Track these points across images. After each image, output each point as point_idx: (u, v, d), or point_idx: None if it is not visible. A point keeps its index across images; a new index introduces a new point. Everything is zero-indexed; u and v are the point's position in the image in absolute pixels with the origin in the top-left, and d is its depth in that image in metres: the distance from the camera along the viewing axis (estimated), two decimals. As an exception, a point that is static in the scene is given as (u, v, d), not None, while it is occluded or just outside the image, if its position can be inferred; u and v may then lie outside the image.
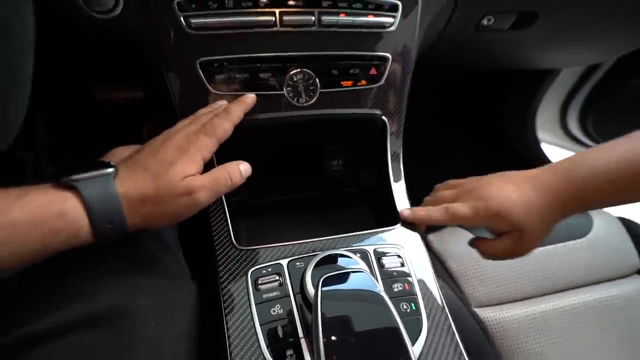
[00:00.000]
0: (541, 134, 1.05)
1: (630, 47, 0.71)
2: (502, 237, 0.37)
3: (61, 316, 0.26)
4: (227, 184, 0.32)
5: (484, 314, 0.50)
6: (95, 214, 0.26)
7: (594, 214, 0.62)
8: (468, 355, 0.43)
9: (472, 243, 0.42)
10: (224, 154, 0.36)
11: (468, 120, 1.16)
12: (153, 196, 0.28)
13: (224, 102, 0.39)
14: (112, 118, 0.87)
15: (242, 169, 0.34)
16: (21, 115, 0.25)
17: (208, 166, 0.33)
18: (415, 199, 0.44)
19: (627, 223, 0.62)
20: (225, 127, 0.34)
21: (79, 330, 0.26)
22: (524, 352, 0.48)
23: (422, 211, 0.40)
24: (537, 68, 0.81)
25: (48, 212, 0.25)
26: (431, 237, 0.57)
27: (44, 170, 0.83)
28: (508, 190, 0.36)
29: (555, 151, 1.07)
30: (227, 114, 0.35)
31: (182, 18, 0.37)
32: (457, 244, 0.55)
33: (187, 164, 0.30)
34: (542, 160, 1.01)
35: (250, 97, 0.39)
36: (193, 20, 0.37)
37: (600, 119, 0.96)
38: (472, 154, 1.13)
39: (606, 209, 0.68)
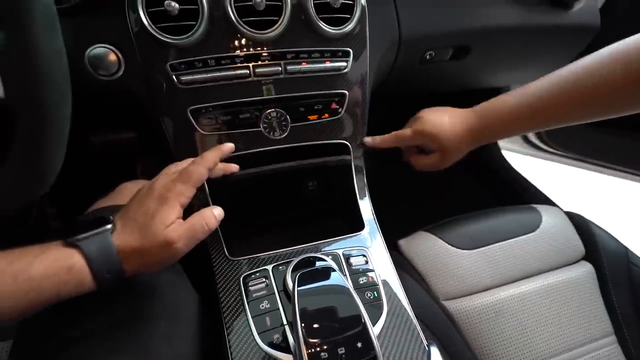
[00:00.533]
0: (503, 143, 1.16)
1: (560, 64, 0.83)
2: (430, 155, 0.52)
3: (91, 322, 0.32)
4: (204, 229, 0.35)
5: (450, 305, 0.57)
6: (95, 266, 0.31)
7: (543, 211, 0.71)
8: (438, 343, 0.50)
9: (406, 158, 0.58)
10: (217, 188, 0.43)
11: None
12: (140, 248, 0.32)
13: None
14: (108, 158, 0.94)
15: (216, 213, 0.37)
16: (58, 170, 0.32)
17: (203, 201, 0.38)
18: (381, 201, 0.53)
19: (571, 216, 0.71)
20: (200, 171, 0.37)
21: (108, 331, 0.32)
22: (485, 335, 0.55)
23: (378, 138, 0.54)
24: (483, 88, 0.92)
25: (59, 266, 0.30)
26: (401, 241, 0.64)
27: (45, 211, 0.89)
28: (444, 120, 0.50)
29: (517, 157, 1.18)
30: (201, 159, 0.39)
31: (174, 76, 0.45)
32: (424, 247, 0.63)
33: (167, 212, 0.33)
34: (504, 166, 1.11)
35: (227, 146, 0.43)
36: (183, 78, 0.45)
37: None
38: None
39: (556, 204, 0.77)
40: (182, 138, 0.48)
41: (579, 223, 0.70)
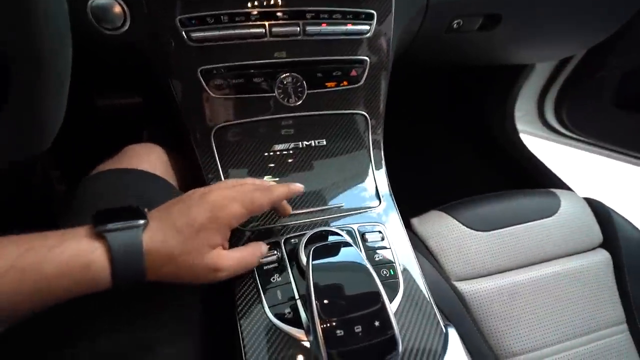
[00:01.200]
0: (521, 126, 1.11)
1: (594, 41, 0.77)
2: None
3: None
4: (252, 264, 0.33)
5: (462, 286, 0.56)
6: (118, 265, 0.27)
7: (561, 195, 0.68)
8: (447, 321, 0.49)
9: None
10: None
11: (451, 112, 1.23)
12: (178, 259, 0.29)
13: (270, 183, 0.40)
14: (112, 123, 0.91)
15: (263, 250, 0.36)
16: (59, 124, 0.30)
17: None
18: (395, 179, 0.51)
19: (590, 202, 0.68)
20: (262, 202, 0.33)
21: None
22: (495, 318, 0.54)
23: None
24: (509, 64, 0.87)
25: (76, 263, 0.26)
26: (414, 220, 0.62)
27: (49, 175, 0.88)
28: None
29: (535, 141, 1.14)
30: (269, 191, 0.35)
31: (183, 32, 0.42)
32: (437, 226, 0.61)
33: (214, 233, 0.30)
34: (521, 149, 1.07)
35: (298, 186, 0.38)
36: (193, 34, 0.42)
37: (573, 109, 1.03)
38: (455, 144, 1.19)
39: (573, 190, 0.74)
40: (191, 101, 0.45)
41: (599, 210, 0.67)
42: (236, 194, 0.33)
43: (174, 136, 0.50)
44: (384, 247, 0.40)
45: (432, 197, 0.71)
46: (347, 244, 0.35)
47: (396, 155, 0.64)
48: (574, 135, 1.02)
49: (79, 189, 0.42)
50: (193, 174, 0.47)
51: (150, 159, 0.47)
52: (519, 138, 1.09)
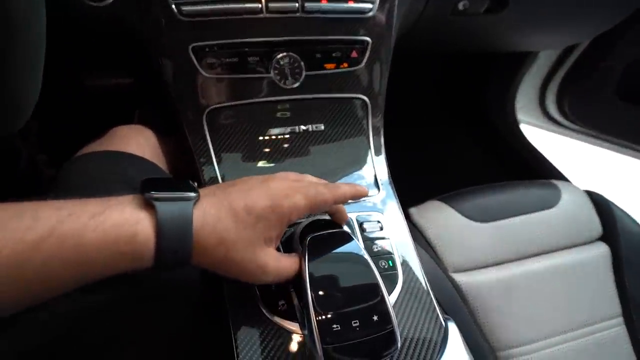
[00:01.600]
0: (521, 116, 1.10)
1: (601, 29, 0.75)
2: None
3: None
4: (289, 278, 0.30)
5: (459, 278, 0.55)
6: (164, 240, 0.24)
7: (562, 187, 0.67)
8: (444, 313, 0.48)
9: None
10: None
11: (451, 101, 1.21)
12: (229, 246, 0.26)
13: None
14: (102, 104, 0.88)
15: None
16: (34, 100, 0.27)
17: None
18: (394, 168, 0.49)
19: (591, 194, 0.67)
20: (326, 197, 0.31)
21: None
22: (492, 310, 0.53)
23: None
24: (513, 51, 0.85)
25: (120, 233, 0.23)
26: (412, 209, 0.61)
27: (36, 159, 0.84)
28: None
29: (535, 132, 1.12)
30: (336, 187, 0.32)
31: (173, 6, 0.39)
32: (435, 216, 0.60)
33: (272, 225, 0.28)
34: (521, 140, 1.06)
35: (365, 189, 0.35)
36: (184, 8, 0.39)
37: (575, 100, 1.01)
38: (454, 134, 1.18)
39: (572, 182, 0.73)
40: (182, 81, 0.43)
41: (599, 202, 0.66)
42: (300, 185, 0.30)
43: (166, 118, 0.48)
44: (383, 238, 0.39)
45: (431, 187, 0.70)
46: (344, 234, 0.34)
47: (396, 145, 0.62)
48: (576, 127, 1.01)
49: (62, 170, 0.40)
50: (184, 158, 0.45)
51: (138, 141, 0.45)
52: (519, 129, 1.08)
